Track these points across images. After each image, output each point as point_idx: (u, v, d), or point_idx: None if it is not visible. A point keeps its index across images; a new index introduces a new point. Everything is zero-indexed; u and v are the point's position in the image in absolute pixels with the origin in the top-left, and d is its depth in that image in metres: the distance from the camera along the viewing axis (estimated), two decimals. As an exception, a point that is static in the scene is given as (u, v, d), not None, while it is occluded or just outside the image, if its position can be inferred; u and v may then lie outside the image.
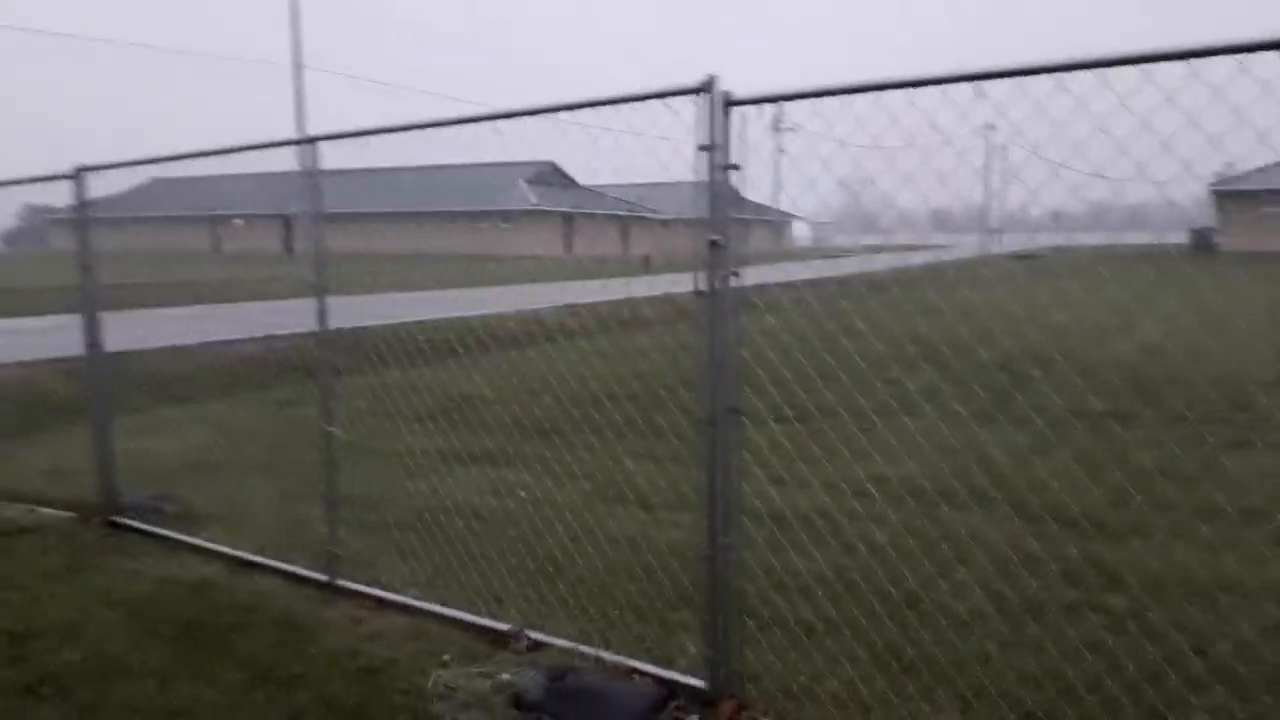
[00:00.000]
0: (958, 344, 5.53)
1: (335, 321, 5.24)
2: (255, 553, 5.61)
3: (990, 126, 3.39)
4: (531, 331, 11.71)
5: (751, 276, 4.05)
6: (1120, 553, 4.97)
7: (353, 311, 5.70)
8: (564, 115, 4.08)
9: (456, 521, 5.85)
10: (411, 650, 4.35)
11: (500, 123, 4.24)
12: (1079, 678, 3.85)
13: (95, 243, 6.48)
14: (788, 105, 3.58)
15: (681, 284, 3.82)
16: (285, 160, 5.26)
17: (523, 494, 6.60)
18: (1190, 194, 3.38)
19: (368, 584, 5.09)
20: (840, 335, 5.10)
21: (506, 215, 56.49)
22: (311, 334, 5.27)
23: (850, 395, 6.18)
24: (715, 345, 3.67)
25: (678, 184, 3.77)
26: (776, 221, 77.04)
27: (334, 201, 5.08)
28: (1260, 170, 40.15)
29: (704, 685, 3.84)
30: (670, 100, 3.65)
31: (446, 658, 4.23)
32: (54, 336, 9.14)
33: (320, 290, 5.12)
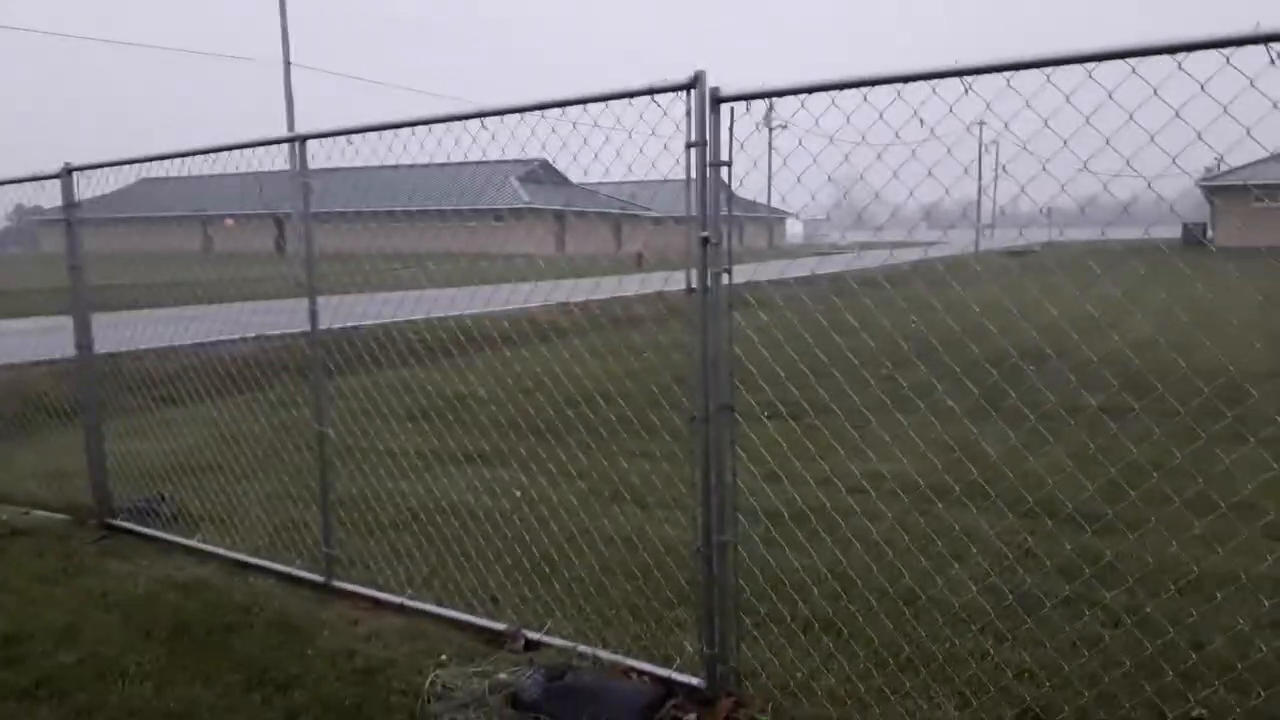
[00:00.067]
0: (950, 340, 5.54)
1: (327, 321, 5.23)
2: (251, 554, 5.60)
3: (981, 122, 3.39)
4: (524, 330, 11.70)
5: (744, 273, 4.06)
6: (1115, 547, 4.98)
7: (344, 311, 5.68)
8: (554, 112, 4.07)
9: (452, 521, 5.85)
10: (408, 650, 4.35)
11: (490, 120, 4.24)
12: (1075, 672, 3.87)
13: (84, 243, 6.45)
14: (779, 102, 3.59)
15: (675, 281, 3.82)
16: (277, 159, 5.25)
17: (518, 493, 6.59)
18: (1180, 188, 3.38)
19: (364, 584, 5.09)
20: (833, 331, 5.10)
21: (498, 214, 56.44)
22: (304, 334, 5.25)
23: (844, 391, 6.19)
24: (708, 342, 3.67)
25: (671, 181, 3.77)
26: (770, 219, 77.13)
27: (324, 201, 5.06)
28: (1249, 165, 40.34)
29: (701, 683, 3.84)
30: (659, 97, 3.65)
31: (443, 658, 4.23)
32: (44, 338, 9.10)
33: (311, 290, 5.11)
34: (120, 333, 6.92)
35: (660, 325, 13.84)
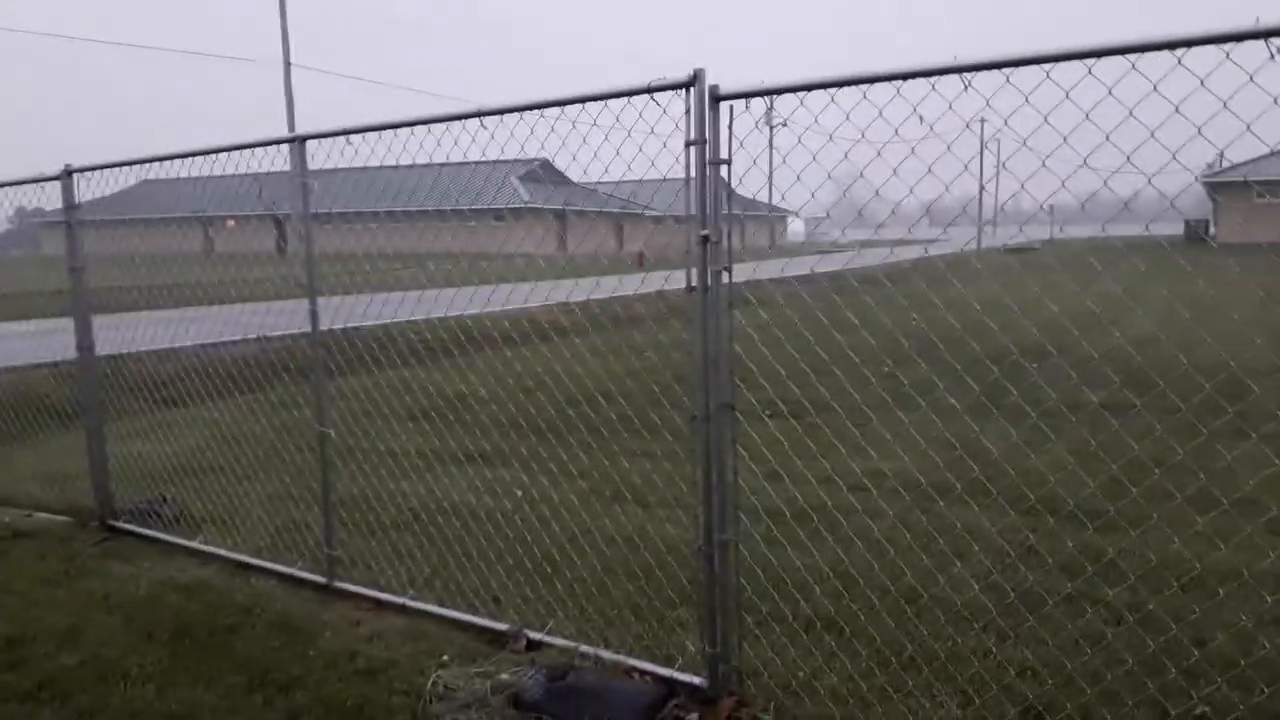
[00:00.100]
0: (951, 337, 5.53)
1: (328, 322, 5.23)
2: (252, 555, 5.60)
3: (982, 119, 3.39)
4: (524, 330, 11.69)
5: (745, 272, 4.05)
6: (1117, 544, 4.98)
7: (345, 311, 5.68)
8: (553, 111, 4.06)
9: (454, 522, 5.85)
10: (410, 651, 4.34)
11: (489, 119, 4.23)
12: (1078, 670, 3.86)
13: (85, 245, 6.45)
14: (779, 100, 3.59)
15: (676, 280, 3.81)
16: (277, 160, 5.25)
17: (519, 493, 6.59)
18: (1183, 185, 3.37)
19: (366, 585, 5.09)
20: (833, 329, 5.09)
21: (498, 213, 56.40)
22: (304, 335, 5.25)
23: (845, 389, 6.18)
24: (708, 341, 3.66)
25: (671, 180, 3.76)
26: (771, 217, 77.04)
27: (325, 201, 5.06)
28: (1252, 161, 40.29)
29: (703, 683, 3.84)
30: (659, 95, 3.65)
31: (445, 658, 4.23)
32: (45, 340, 9.10)
33: (311, 291, 5.10)
34: (121, 334, 6.92)
35: (661, 324, 13.83)
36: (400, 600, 4.87)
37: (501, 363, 10.66)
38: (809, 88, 3.42)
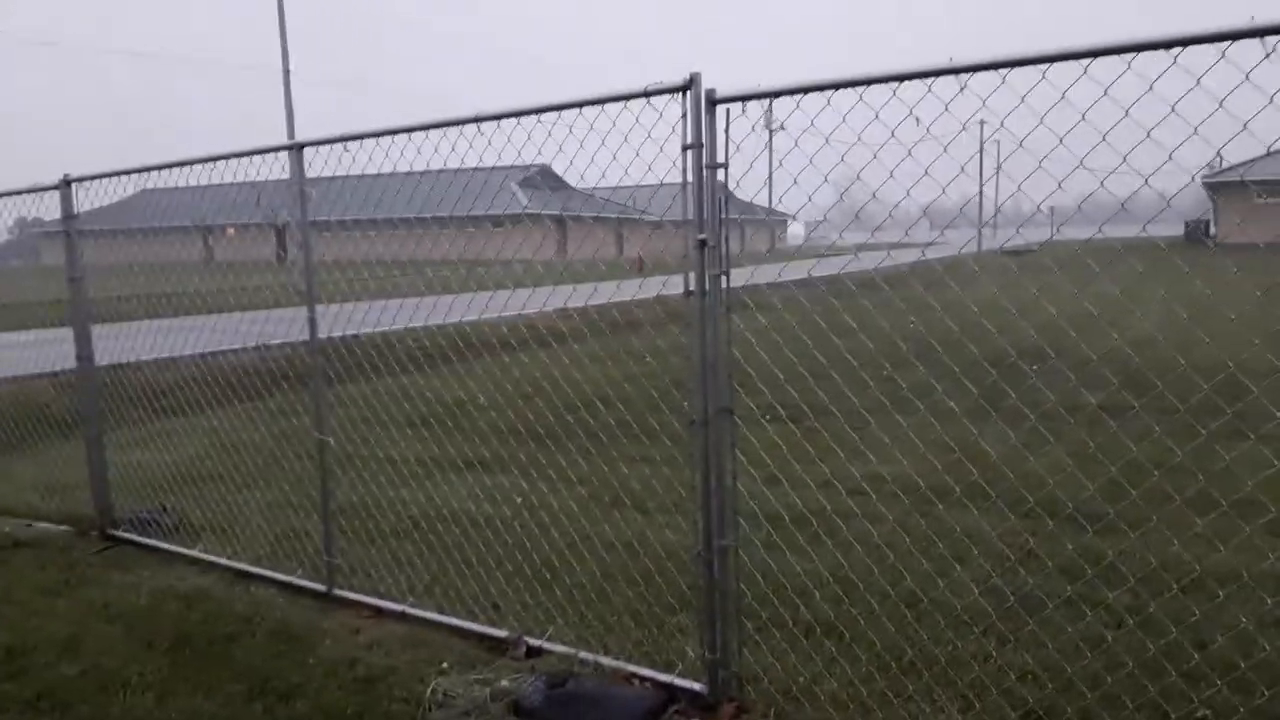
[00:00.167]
0: (949, 340, 5.53)
1: (327, 330, 5.23)
2: (252, 563, 5.60)
3: (982, 121, 3.40)
4: (523, 336, 11.69)
5: (743, 277, 4.05)
6: (1117, 547, 4.97)
7: (344, 319, 5.68)
8: (550, 116, 4.07)
9: (453, 529, 5.84)
10: (410, 658, 4.34)
11: (486, 125, 4.24)
12: (1079, 674, 3.85)
13: (84, 255, 6.46)
14: (778, 103, 3.58)
15: (675, 285, 3.81)
16: (275, 169, 5.25)
17: (518, 500, 6.59)
18: (1183, 185, 3.37)
19: (365, 593, 5.08)
20: (831, 333, 5.09)
21: (497, 220, 56.46)
22: (303, 343, 5.25)
23: (843, 393, 6.18)
24: (706, 345, 3.66)
25: (671, 185, 3.76)
26: (770, 221, 77.05)
27: (323, 209, 5.06)
28: (1252, 161, 40.29)
29: (703, 689, 3.83)
30: (656, 99, 3.65)
31: (445, 665, 4.22)
32: (45, 350, 9.10)
33: (310, 298, 5.10)
34: (120, 344, 6.92)
35: (659, 329, 13.84)
36: (400, 608, 4.86)
37: (500, 369, 10.65)
38: (805, 90, 3.42)
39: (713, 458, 3.71)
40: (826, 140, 3.63)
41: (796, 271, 5.29)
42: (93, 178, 6.21)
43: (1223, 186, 46.39)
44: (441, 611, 4.78)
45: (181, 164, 5.71)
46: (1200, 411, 4.91)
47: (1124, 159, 3.05)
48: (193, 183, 5.85)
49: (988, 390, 5.45)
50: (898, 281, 18.37)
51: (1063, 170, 3.23)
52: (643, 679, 3.98)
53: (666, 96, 3.62)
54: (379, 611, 4.90)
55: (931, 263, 5.51)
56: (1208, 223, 46.68)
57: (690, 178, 3.60)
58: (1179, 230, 47.05)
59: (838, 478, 6.10)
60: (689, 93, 3.55)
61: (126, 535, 6.32)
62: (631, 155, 3.88)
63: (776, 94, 3.51)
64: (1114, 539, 5.09)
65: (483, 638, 4.49)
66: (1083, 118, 2.96)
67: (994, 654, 4.11)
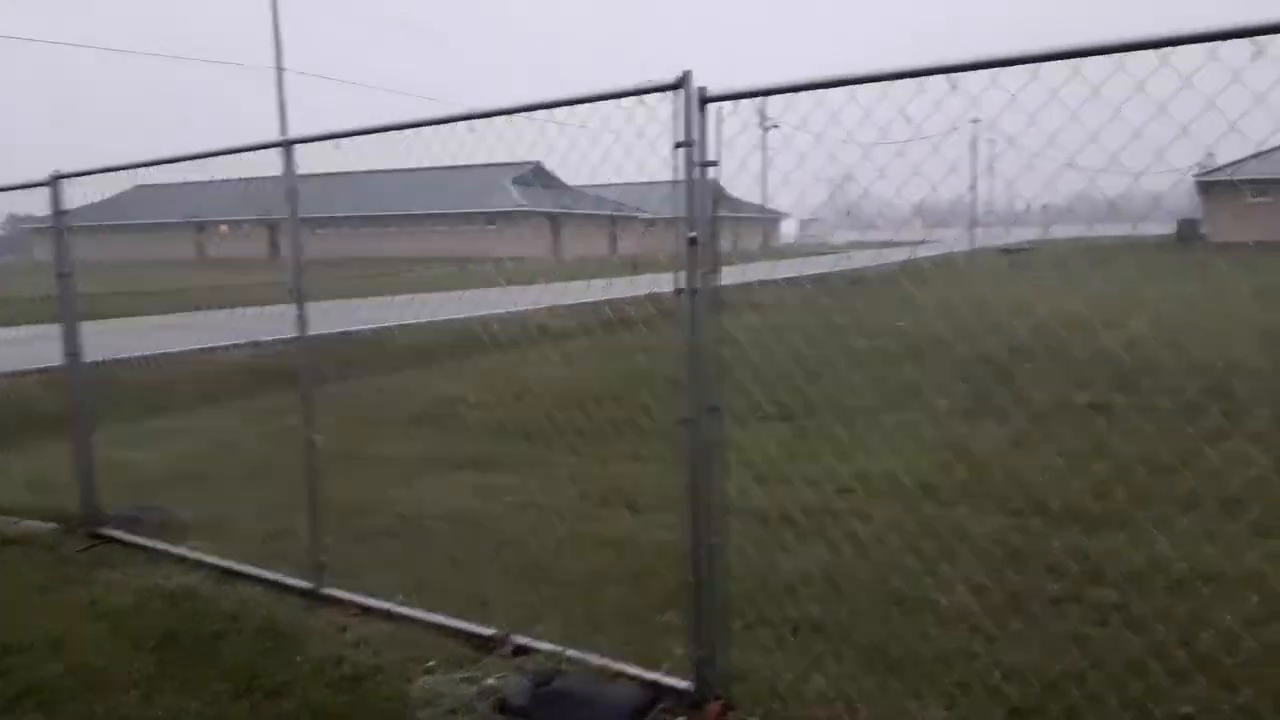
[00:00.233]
0: (940, 339, 5.54)
1: (320, 327, 5.21)
2: (240, 562, 5.57)
3: (975, 119, 3.40)
4: (515, 333, 11.68)
5: (735, 274, 4.05)
6: (1103, 545, 4.99)
7: (335, 316, 5.67)
8: (541, 114, 4.06)
9: (442, 527, 5.84)
10: (397, 657, 4.33)
11: (478, 123, 4.23)
12: (1064, 671, 3.86)
13: (76, 251, 6.43)
14: (772, 102, 3.58)
15: (667, 284, 3.80)
16: (270, 165, 5.22)
17: (508, 498, 6.58)
18: (1176, 184, 3.38)
19: (353, 591, 5.06)
20: (822, 332, 5.10)
21: (491, 217, 56.37)
22: (294, 340, 5.24)
23: (833, 392, 6.19)
24: (695, 343, 3.66)
25: (659, 183, 3.76)
26: (765, 219, 77.06)
27: (317, 206, 5.04)
28: (1242, 161, 40.41)
29: (690, 687, 3.83)
30: (647, 97, 3.65)
31: (431, 663, 4.21)
32: (34, 346, 9.08)
33: (300, 295, 5.09)
34: (111, 340, 6.90)
35: (650, 327, 13.84)
36: (387, 606, 4.85)
37: (492, 366, 10.65)
38: (796, 89, 3.42)
39: (701, 456, 3.71)
40: (816, 139, 3.63)
41: (788, 270, 5.30)
42: (83, 174, 6.18)
43: (1213, 186, 46.50)
44: (430, 610, 4.76)
45: (172, 161, 5.69)
46: (1188, 410, 4.94)
47: (1113, 157, 3.06)
48: (190, 179, 5.83)
49: (977, 389, 5.46)
50: (888, 279, 18.45)
51: (1053, 169, 3.24)
52: (630, 677, 3.98)
53: (658, 95, 3.61)
54: (366, 610, 4.89)
55: (921, 261, 5.52)
56: (1199, 221, 46.80)
57: (681, 176, 3.60)
58: (1172, 228, 47.15)
59: (826, 476, 6.11)
60: (681, 91, 3.54)
61: (114, 533, 6.29)
62: (623, 154, 3.87)
63: (767, 92, 3.50)
64: (1100, 537, 5.10)
65: (470, 636, 4.48)
66: (1072, 115, 2.97)
67: (980, 652, 4.11)
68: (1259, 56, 2.72)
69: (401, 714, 3.82)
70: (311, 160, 4.97)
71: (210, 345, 12.56)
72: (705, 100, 3.56)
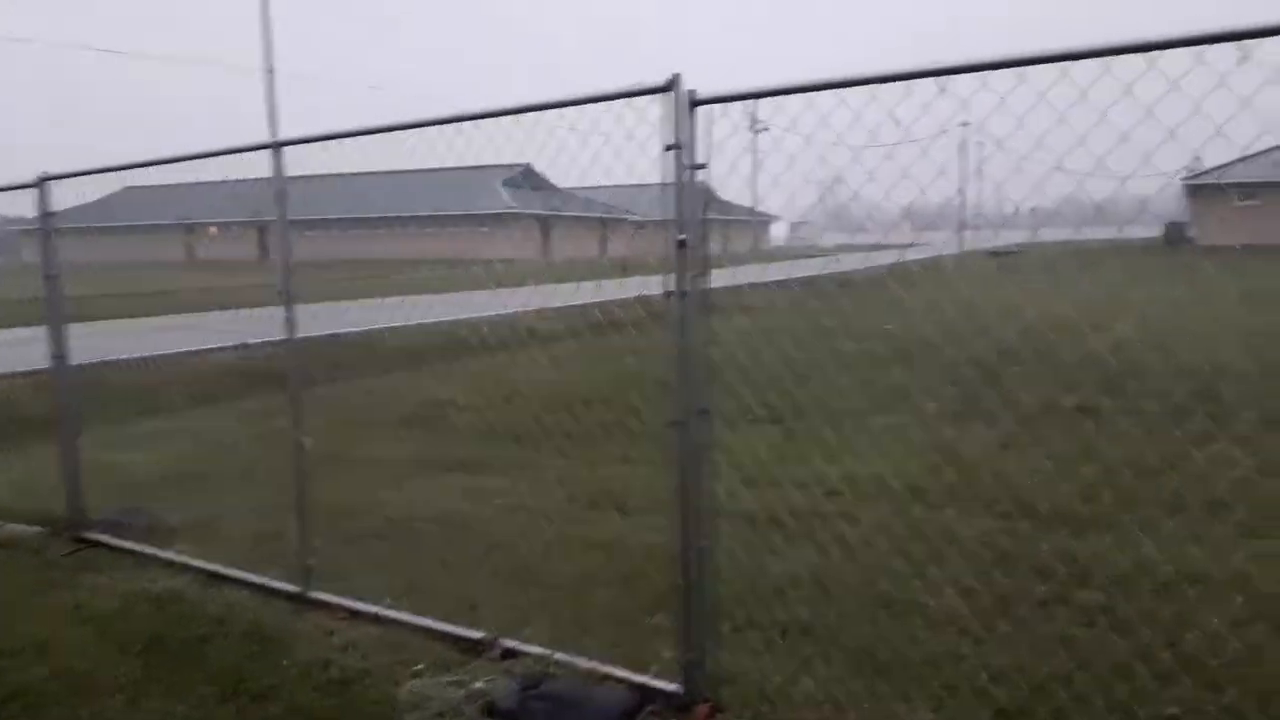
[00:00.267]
0: (928, 342, 5.55)
1: (309, 329, 5.19)
2: (226, 565, 5.55)
3: (965, 122, 3.41)
4: (504, 336, 11.67)
5: (725, 277, 4.05)
6: (1090, 547, 5.01)
7: (324, 319, 5.65)
8: (530, 117, 4.05)
9: (431, 529, 5.82)
10: (384, 660, 4.31)
11: (467, 125, 4.22)
12: (1050, 673, 3.87)
13: (63, 253, 6.39)
14: (763, 105, 3.59)
15: (656, 286, 3.80)
16: (262, 166, 5.19)
17: (498, 501, 6.57)
18: (1165, 188, 3.40)
19: (341, 594, 5.04)
20: (810, 335, 5.11)
21: (482, 219, 56.31)
22: (282, 342, 5.22)
23: (822, 395, 6.20)
24: (685, 346, 3.66)
25: (649, 185, 3.76)
26: (755, 222, 77.16)
27: (307, 208, 5.03)
28: (1229, 164, 40.64)
29: (678, 689, 3.83)
30: (637, 100, 3.65)
31: (419, 667, 4.20)
32: (21, 349, 9.03)
33: (288, 297, 5.07)
34: (99, 342, 6.86)
35: (640, 330, 13.84)
36: (375, 609, 4.83)
37: (481, 369, 10.64)
38: (786, 92, 3.43)
39: (690, 458, 3.71)
40: (806, 140, 3.64)
41: (777, 272, 5.31)
42: (71, 175, 6.15)
43: (1200, 189, 46.77)
44: (418, 613, 4.75)
45: (160, 163, 5.67)
46: (1175, 413, 4.96)
47: (1100, 161, 3.07)
48: (181, 180, 5.80)
49: (966, 392, 5.47)
50: (877, 282, 18.46)
51: (1045, 173, 3.25)
52: (618, 680, 3.97)
53: (647, 97, 3.61)
54: (354, 613, 4.87)
55: (909, 264, 5.54)
56: (1186, 224, 47.04)
57: (671, 178, 3.60)
58: (1159, 232, 47.38)
59: (815, 479, 6.11)
60: (670, 94, 3.54)
61: (100, 537, 6.26)
62: (613, 156, 3.87)
63: (757, 95, 3.51)
64: (1087, 539, 5.12)
65: (458, 639, 4.47)
66: (1060, 118, 2.98)
67: (968, 654, 4.12)
68: (1245, 61, 2.74)
69: (389, 717, 3.81)
70: (302, 161, 4.95)
71: (198, 348, 12.52)
72: (695, 103, 3.56)
